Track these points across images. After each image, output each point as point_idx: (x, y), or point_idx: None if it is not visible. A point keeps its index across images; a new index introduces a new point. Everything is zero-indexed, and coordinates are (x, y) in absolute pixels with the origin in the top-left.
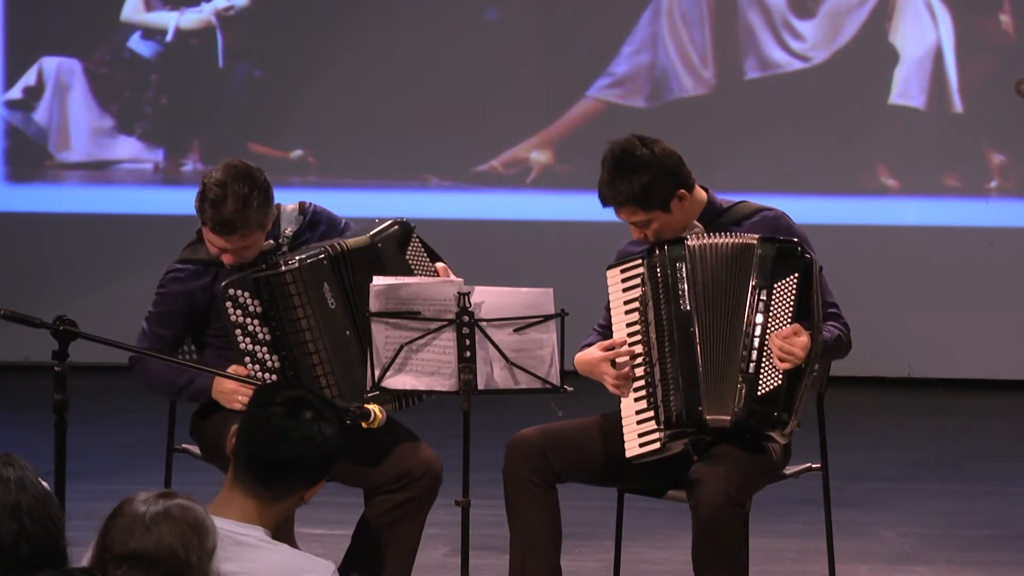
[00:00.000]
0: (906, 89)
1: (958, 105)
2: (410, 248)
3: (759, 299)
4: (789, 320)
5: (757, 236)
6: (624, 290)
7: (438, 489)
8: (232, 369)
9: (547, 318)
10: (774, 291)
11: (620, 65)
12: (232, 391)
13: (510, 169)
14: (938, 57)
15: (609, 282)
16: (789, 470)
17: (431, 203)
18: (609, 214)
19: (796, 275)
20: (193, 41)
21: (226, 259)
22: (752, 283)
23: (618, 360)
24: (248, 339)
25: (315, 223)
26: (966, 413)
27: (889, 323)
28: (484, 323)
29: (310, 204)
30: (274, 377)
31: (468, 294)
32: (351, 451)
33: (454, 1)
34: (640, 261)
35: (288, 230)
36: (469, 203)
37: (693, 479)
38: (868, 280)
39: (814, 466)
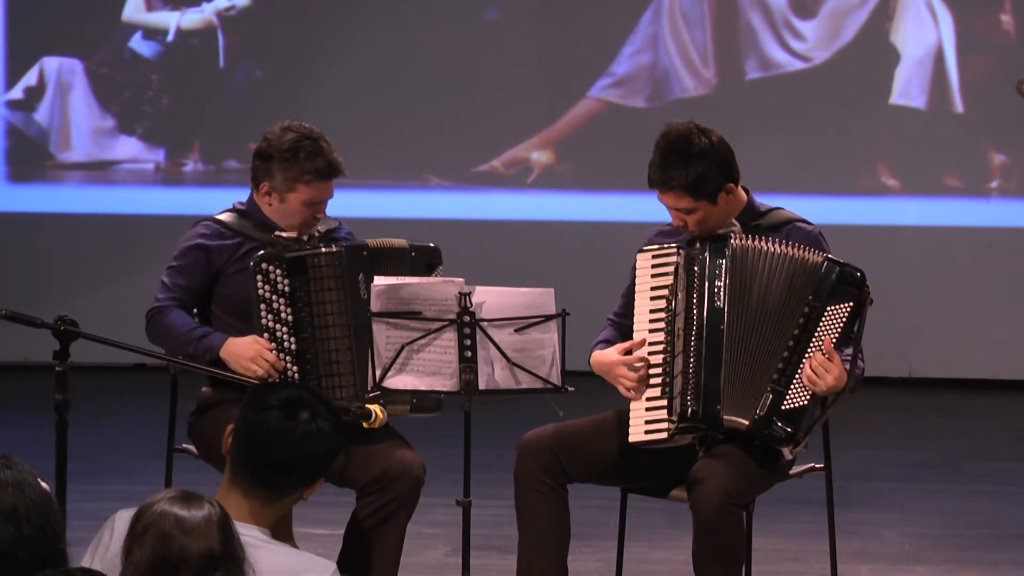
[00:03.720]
0: (907, 89)
1: (959, 105)
2: (435, 273)
3: (809, 317)
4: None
5: (823, 254)
6: (653, 276)
7: (419, 492)
8: (251, 339)
9: (548, 318)
10: (826, 313)
11: (621, 65)
12: (251, 357)
13: (510, 169)
14: (939, 57)
15: (638, 265)
16: (793, 470)
17: (431, 203)
18: (609, 214)
19: (851, 304)
20: (194, 41)
21: (319, 215)
22: (808, 299)
23: (635, 364)
24: (271, 316)
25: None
26: (966, 413)
27: (889, 323)
28: (485, 323)
29: (341, 222)
30: (288, 359)
31: (469, 294)
32: (348, 449)
33: (454, 1)
34: (675, 249)
35: (321, 227)
36: (469, 203)
37: (694, 478)
38: (868, 280)
39: (817, 466)
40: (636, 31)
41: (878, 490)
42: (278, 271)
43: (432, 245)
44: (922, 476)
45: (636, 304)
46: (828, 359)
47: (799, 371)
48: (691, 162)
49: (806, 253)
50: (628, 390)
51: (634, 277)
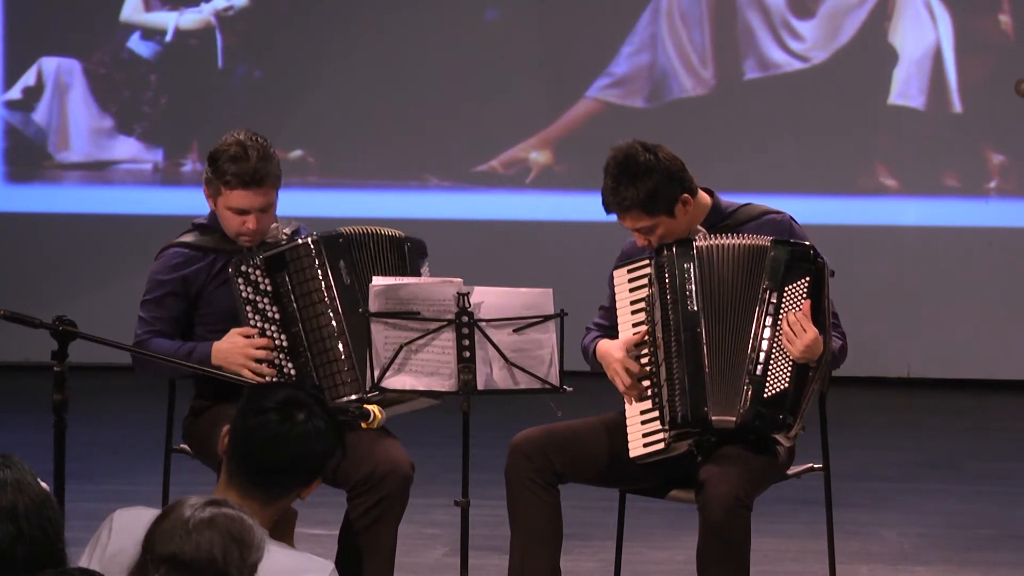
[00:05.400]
0: (906, 89)
1: (958, 105)
2: (422, 267)
3: (769, 301)
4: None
5: (770, 238)
6: (631, 290)
7: (408, 490)
8: (231, 333)
9: (546, 318)
10: (784, 294)
11: (620, 65)
12: (240, 350)
13: (510, 169)
14: (937, 57)
15: (616, 282)
16: (791, 470)
17: (431, 203)
18: (607, 214)
19: (807, 279)
20: (192, 41)
21: (249, 225)
22: (763, 285)
23: (631, 369)
24: (258, 316)
25: None
26: (966, 413)
27: (889, 323)
28: (483, 323)
29: (302, 224)
30: (282, 356)
31: (467, 294)
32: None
33: (454, 1)
34: (647, 261)
35: (287, 230)
36: (469, 203)
37: (702, 480)
38: (868, 280)
39: (816, 466)
40: (635, 31)
41: (878, 490)
42: (258, 271)
43: (420, 239)
44: (922, 476)
45: (619, 321)
46: (804, 317)
47: (772, 356)
48: (640, 179)
49: (752, 240)
50: (623, 392)
51: (613, 294)
